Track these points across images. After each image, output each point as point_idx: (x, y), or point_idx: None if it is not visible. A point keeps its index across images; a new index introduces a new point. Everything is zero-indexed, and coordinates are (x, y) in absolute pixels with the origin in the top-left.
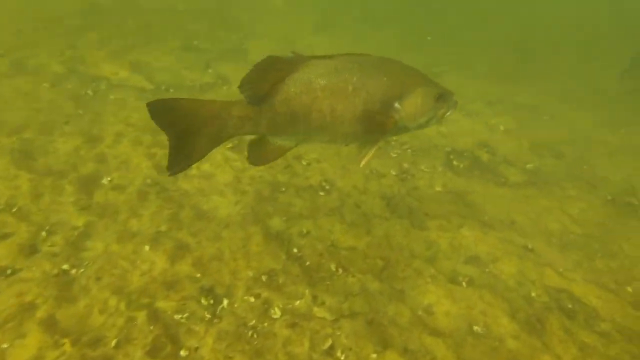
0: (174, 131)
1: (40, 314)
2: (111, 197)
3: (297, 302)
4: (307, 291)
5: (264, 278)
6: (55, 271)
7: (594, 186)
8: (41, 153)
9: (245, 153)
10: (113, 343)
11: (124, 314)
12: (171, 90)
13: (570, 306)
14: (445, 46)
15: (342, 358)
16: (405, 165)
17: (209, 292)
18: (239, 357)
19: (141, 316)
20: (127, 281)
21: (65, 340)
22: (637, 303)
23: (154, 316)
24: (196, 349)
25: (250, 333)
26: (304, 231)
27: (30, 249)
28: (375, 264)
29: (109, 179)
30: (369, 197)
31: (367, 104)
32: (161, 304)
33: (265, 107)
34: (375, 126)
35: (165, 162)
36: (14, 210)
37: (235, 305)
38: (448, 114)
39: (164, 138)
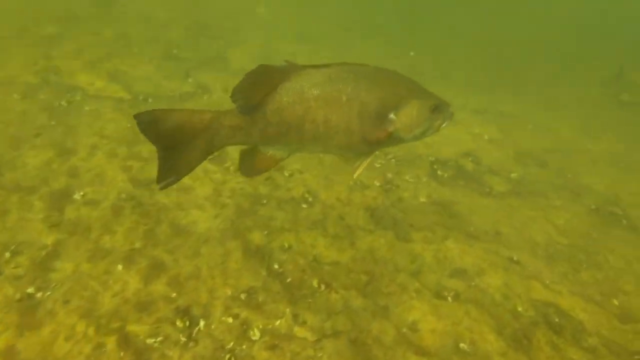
0: (164, 143)
1: None
2: (84, 212)
3: (278, 322)
4: (287, 310)
5: (243, 296)
6: (19, 296)
7: (578, 195)
8: (9, 168)
9: (226, 164)
10: None
11: (93, 340)
12: (150, 100)
13: (557, 320)
14: (427, 55)
15: None
16: (390, 175)
17: (184, 313)
18: None
19: (111, 342)
20: (98, 304)
21: None
22: (624, 316)
23: (125, 341)
24: None
25: (227, 357)
26: (286, 245)
27: None
28: (359, 279)
29: (81, 193)
30: (352, 208)
31: (361, 114)
32: (133, 328)
33: (257, 117)
34: (370, 137)
35: (141, 175)
36: None
37: (212, 327)
38: (444, 125)
39: (140, 150)
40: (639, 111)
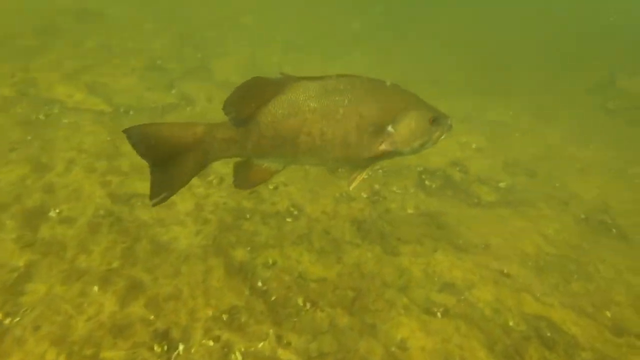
0: (155, 158)
1: None
2: (59, 231)
3: (261, 344)
4: (271, 331)
5: (224, 317)
6: None
7: (567, 204)
8: None
9: (209, 178)
10: None
11: None
12: (131, 113)
13: (549, 334)
14: (414, 63)
15: None
16: (377, 186)
17: (163, 336)
18: None
19: None
20: (71, 329)
21: None
22: (616, 328)
23: None
24: None
25: None
26: (270, 262)
27: None
28: (345, 296)
29: (57, 211)
30: (338, 221)
31: (359, 127)
32: (107, 354)
33: (251, 130)
34: (368, 151)
35: (121, 190)
36: None
37: (192, 351)
38: (442, 137)
39: (120, 163)
40: (627, 118)
